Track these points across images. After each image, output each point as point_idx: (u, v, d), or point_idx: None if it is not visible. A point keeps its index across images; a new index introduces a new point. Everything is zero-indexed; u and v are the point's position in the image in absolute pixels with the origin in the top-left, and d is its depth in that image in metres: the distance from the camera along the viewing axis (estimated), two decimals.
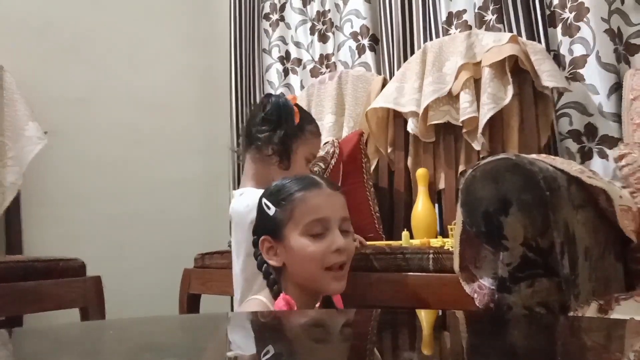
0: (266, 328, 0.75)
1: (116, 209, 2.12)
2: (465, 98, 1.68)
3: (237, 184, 2.44)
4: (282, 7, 2.41)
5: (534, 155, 0.98)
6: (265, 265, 1.00)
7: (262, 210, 1.00)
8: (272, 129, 1.21)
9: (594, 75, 1.61)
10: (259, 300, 0.98)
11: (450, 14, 1.89)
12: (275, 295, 0.97)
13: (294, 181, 0.99)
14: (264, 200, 1.00)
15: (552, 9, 1.70)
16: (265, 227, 0.99)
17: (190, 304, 1.69)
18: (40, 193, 1.97)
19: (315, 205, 0.95)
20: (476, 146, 1.69)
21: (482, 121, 1.63)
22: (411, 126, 1.81)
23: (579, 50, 1.64)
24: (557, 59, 1.68)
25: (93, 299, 1.48)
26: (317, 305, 1.00)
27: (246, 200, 1.20)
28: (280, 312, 0.90)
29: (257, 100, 2.47)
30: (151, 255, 2.11)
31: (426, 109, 1.76)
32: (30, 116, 1.87)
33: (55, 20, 2.09)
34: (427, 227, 1.65)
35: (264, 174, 1.25)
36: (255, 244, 1.01)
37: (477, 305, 0.98)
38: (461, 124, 1.70)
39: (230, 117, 2.47)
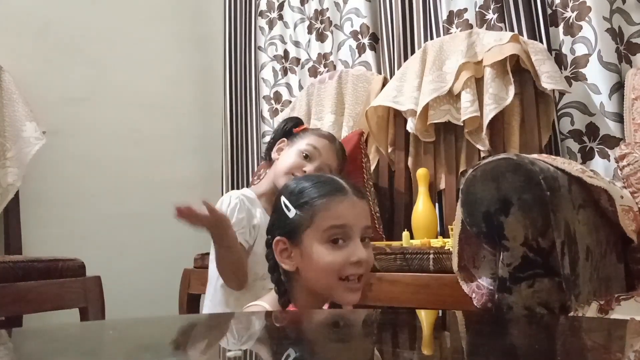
0: (267, 329, 0.75)
1: (116, 208, 2.11)
2: (466, 97, 1.67)
3: (231, 183, 2.44)
4: (281, 6, 2.41)
5: (534, 155, 0.98)
6: (277, 271, 0.96)
7: (280, 210, 0.95)
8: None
9: (595, 74, 1.60)
10: (261, 306, 0.97)
11: (451, 13, 1.89)
12: (283, 305, 0.94)
13: (319, 184, 0.94)
14: (284, 199, 0.94)
15: (553, 8, 1.70)
16: (282, 228, 0.94)
17: (190, 304, 1.69)
18: (40, 193, 1.97)
19: (339, 212, 0.91)
20: (480, 147, 1.68)
21: (485, 122, 1.63)
22: (410, 125, 1.81)
23: (580, 49, 1.64)
24: (559, 58, 1.68)
25: (93, 299, 1.48)
26: (326, 306, 0.99)
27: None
28: (280, 313, 0.90)
29: (252, 98, 2.47)
30: (151, 255, 2.11)
31: (426, 108, 1.76)
32: (28, 116, 1.86)
33: (55, 20, 2.09)
34: (428, 227, 1.65)
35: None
36: (269, 244, 0.96)
37: (475, 304, 0.98)
38: (462, 124, 1.70)
39: (224, 114, 2.46)
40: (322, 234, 0.90)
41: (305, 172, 1.24)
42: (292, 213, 0.92)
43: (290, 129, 1.36)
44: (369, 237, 0.96)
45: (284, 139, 1.34)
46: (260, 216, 1.26)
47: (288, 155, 1.28)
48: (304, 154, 1.27)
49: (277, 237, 0.94)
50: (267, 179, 1.35)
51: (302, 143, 1.29)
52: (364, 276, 0.93)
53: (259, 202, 1.27)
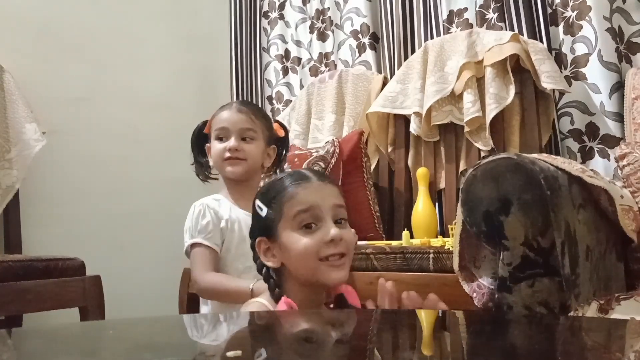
0: (266, 328, 0.75)
1: (116, 208, 2.11)
2: (468, 98, 1.68)
3: None
4: (282, 5, 2.41)
5: (535, 155, 0.98)
6: (264, 268, 0.97)
7: (255, 212, 0.98)
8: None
9: (595, 74, 1.60)
10: (260, 303, 0.97)
11: (451, 12, 1.89)
12: (276, 299, 0.95)
13: (283, 178, 0.97)
14: (257, 202, 0.97)
15: (553, 7, 1.70)
16: (260, 229, 0.96)
17: (190, 303, 1.68)
18: (40, 192, 1.97)
19: (303, 197, 0.92)
20: (481, 146, 1.69)
21: (487, 121, 1.63)
22: (414, 127, 1.81)
23: (580, 49, 1.64)
24: (559, 57, 1.68)
25: (93, 299, 1.48)
26: (331, 305, 0.99)
27: None
28: (280, 313, 0.90)
29: (258, 98, 2.47)
30: (151, 255, 2.11)
31: (429, 109, 1.76)
32: (28, 118, 1.86)
33: (55, 20, 2.09)
34: (428, 226, 1.65)
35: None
36: (252, 247, 0.98)
37: (476, 304, 0.98)
38: (464, 124, 1.70)
39: None
40: (292, 222, 0.91)
41: (229, 150, 1.27)
42: (264, 212, 0.95)
43: (201, 133, 1.37)
44: (344, 218, 0.95)
45: (207, 144, 1.36)
46: (230, 211, 1.27)
47: (213, 148, 1.32)
48: (218, 138, 1.31)
49: (258, 238, 0.96)
50: (221, 179, 1.37)
51: (213, 132, 1.32)
52: (347, 255, 0.93)
53: (227, 200, 1.30)
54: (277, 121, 1.41)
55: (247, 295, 1.14)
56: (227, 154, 1.27)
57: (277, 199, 0.94)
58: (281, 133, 1.38)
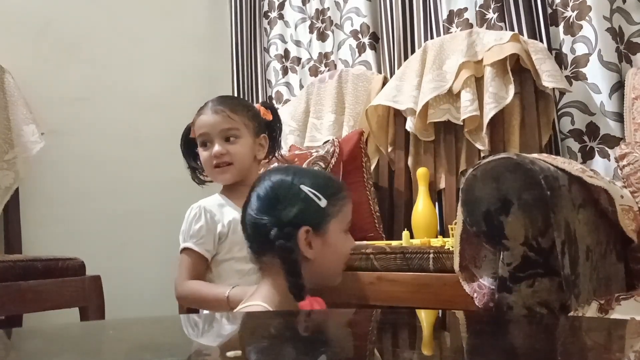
0: (265, 328, 0.75)
1: (116, 208, 2.11)
2: (466, 97, 1.67)
3: None
4: (281, 5, 2.41)
5: (535, 155, 0.98)
6: (291, 263, 0.93)
7: (309, 200, 0.95)
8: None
9: (595, 74, 1.60)
10: (261, 306, 0.96)
11: (451, 12, 1.89)
12: (301, 297, 0.93)
13: (334, 179, 1.08)
14: (311, 189, 0.95)
15: (554, 7, 1.70)
16: (310, 218, 0.94)
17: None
18: (40, 192, 1.97)
19: (350, 208, 1.04)
20: (480, 146, 1.68)
21: (485, 121, 1.63)
22: (410, 124, 1.81)
23: (581, 49, 1.64)
24: (559, 57, 1.68)
25: (93, 299, 1.48)
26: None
27: None
28: (280, 312, 0.90)
29: (259, 99, 2.47)
30: (151, 255, 2.11)
31: (426, 107, 1.76)
32: (27, 119, 1.86)
33: (56, 20, 2.09)
34: (428, 226, 1.65)
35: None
36: (289, 236, 0.93)
37: (477, 304, 0.98)
38: (462, 123, 1.70)
39: None
40: (344, 224, 1.00)
41: (216, 156, 1.24)
42: (323, 203, 0.96)
43: (188, 138, 1.34)
44: None
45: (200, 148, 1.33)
46: (233, 213, 1.23)
47: (200, 156, 1.30)
48: (202, 144, 1.28)
49: (304, 227, 0.94)
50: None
51: (197, 138, 1.29)
52: None
53: (227, 201, 1.26)
54: (263, 104, 1.36)
55: (223, 302, 1.12)
56: (215, 161, 1.24)
57: (339, 197, 0.99)
58: (269, 117, 1.33)
